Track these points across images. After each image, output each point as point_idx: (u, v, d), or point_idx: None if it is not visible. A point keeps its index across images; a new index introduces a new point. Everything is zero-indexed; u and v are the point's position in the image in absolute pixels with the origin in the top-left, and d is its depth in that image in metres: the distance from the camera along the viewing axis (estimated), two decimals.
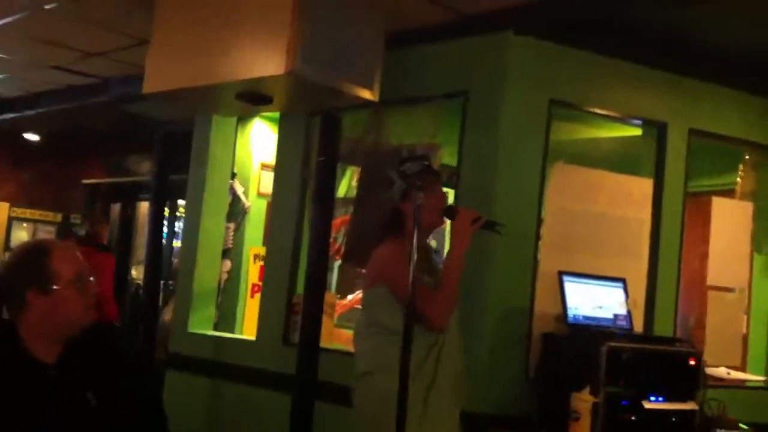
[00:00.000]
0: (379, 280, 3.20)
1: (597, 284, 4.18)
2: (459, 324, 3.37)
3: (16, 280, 2.31)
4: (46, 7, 4.98)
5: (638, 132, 4.71)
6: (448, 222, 3.48)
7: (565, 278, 4.09)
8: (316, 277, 4.44)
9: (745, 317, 5.02)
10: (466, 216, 3.23)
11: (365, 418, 3.21)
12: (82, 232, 7.84)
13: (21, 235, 10.43)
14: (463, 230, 3.20)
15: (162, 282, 6.85)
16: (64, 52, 5.94)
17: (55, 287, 2.27)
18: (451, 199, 4.79)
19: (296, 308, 4.81)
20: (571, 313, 4.04)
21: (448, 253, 3.28)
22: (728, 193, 5.14)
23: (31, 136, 9.53)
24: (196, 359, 5.39)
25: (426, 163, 3.10)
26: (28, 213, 10.70)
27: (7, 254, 9.28)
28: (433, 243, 5.74)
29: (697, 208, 4.83)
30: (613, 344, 3.72)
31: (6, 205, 10.53)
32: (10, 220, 10.60)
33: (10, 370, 2.23)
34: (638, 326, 4.34)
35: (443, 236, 5.66)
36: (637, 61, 4.42)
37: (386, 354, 3.10)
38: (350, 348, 3.53)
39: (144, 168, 8.54)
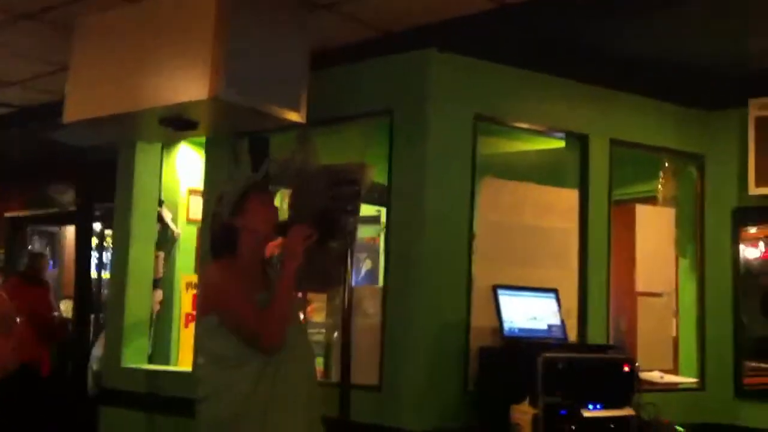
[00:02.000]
0: (209, 308, 3.13)
1: (530, 296, 4.22)
2: (303, 336, 3.31)
3: None
4: None
5: (561, 144, 4.79)
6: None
7: (500, 291, 4.12)
8: None
9: (674, 320, 5.13)
10: (297, 232, 3.18)
11: None
12: (21, 267, 7.74)
13: None
14: (295, 246, 3.16)
15: (92, 315, 6.71)
16: None
17: None
18: (383, 218, 4.80)
19: None
20: (506, 326, 4.07)
21: (279, 271, 3.22)
22: (651, 200, 5.26)
23: None
24: (131, 394, 5.26)
25: (257, 178, 3.08)
26: None
27: None
28: (368, 263, 5.75)
29: (622, 216, 4.93)
30: (548, 355, 3.76)
31: None
32: None
33: None
34: (572, 335, 4.40)
35: (377, 253, 5.67)
36: (558, 74, 4.50)
37: (215, 382, 3.06)
38: None
39: (68, 198, 8.32)
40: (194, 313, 5.36)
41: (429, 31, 4.15)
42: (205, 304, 3.16)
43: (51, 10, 4.31)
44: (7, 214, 9.30)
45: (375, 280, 5.76)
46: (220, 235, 3.17)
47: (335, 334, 4.70)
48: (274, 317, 3.03)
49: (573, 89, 4.59)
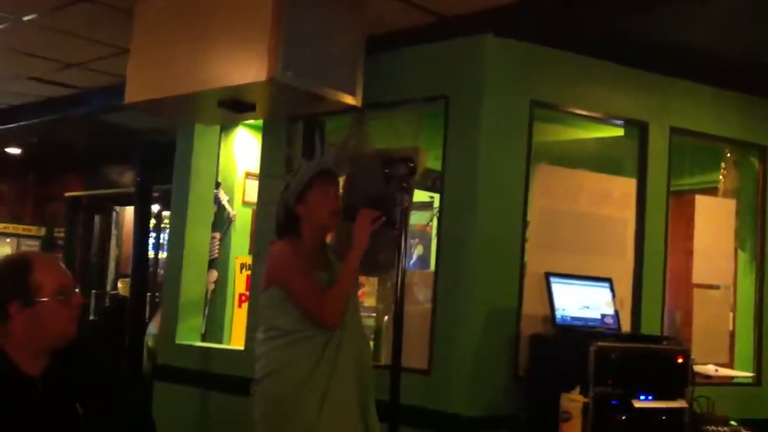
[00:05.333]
0: (272, 281, 3.21)
1: (583, 284, 4.19)
2: (358, 318, 3.37)
3: None
4: (25, 18, 4.95)
5: (620, 132, 4.72)
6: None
7: (552, 279, 4.10)
8: None
9: (731, 314, 5.04)
10: (365, 216, 3.23)
11: (261, 421, 3.22)
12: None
13: (4, 250, 10.35)
14: (362, 230, 3.21)
15: (148, 294, 6.84)
16: (42, 63, 5.90)
17: (38, 300, 2.25)
18: (436, 203, 4.80)
19: None
20: (558, 314, 4.05)
21: (348, 252, 3.27)
22: (711, 191, 5.16)
23: (12, 150, 9.46)
24: (184, 370, 5.36)
25: (324, 164, 3.19)
26: (11, 228, 10.62)
27: None
28: (419, 248, 5.77)
29: (681, 206, 4.85)
30: (601, 344, 3.73)
31: None
32: None
33: None
34: (626, 325, 4.35)
35: (429, 240, 5.67)
36: (617, 62, 4.43)
37: (278, 358, 3.13)
38: None
39: (127, 179, 8.50)
40: (247, 293, 5.46)
41: (485, 17, 4.12)
42: (269, 278, 3.24)
43: None
44: (68, 194, 9.54)
45: (426, 265, 5.77)
46: (284, 221, 3.27)
47: (386, 318, 4.73)
48: (335, 297, 3.13)
49: (632, 77, 4.51)
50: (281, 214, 3.30)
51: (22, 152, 9.51)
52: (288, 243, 3.24)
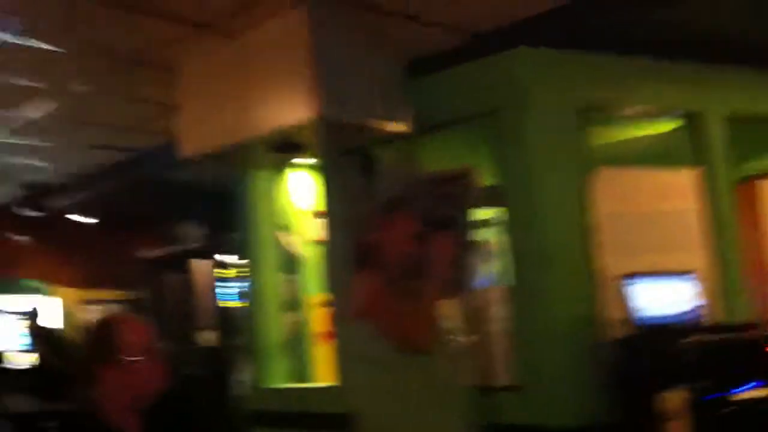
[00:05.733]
0: (359, 312, 3.19)
1: (663, 282, 4.11)
2: (444, 342, 3.32)
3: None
4: (77, 89, 5.12)
5: (674, 125, 4.63)
6: None
7: (630, 281, 4.03)
8: None
9: None
10: (443, 240, 3.20)
11: None
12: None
13: (90, 316, 10.63)
14: (441, 254, 3.18)
15: (232, 342, 6.92)
16: (100, 131, 6.08)
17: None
18: (494, 220, 4.75)
19: None
20: (640, 314, 3.98)
21: (431, 276, 3.24)
22: None
23: (82, 218, 9.75)
24: (277, 413, 5.38)
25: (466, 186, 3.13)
26: (95, 294, 10.92)
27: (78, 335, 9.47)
28: (486, 266, 5.70)
29: (744, 193, 4.72)
30: (690, 339, 3.64)
31: (72, 289, 10.78)
32: (78, 303, 10.84)
33: None
34: (709, 317, 4.22)
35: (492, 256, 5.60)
36: (658, 56, 4.35)
37: (373, 388, 3.10)
38: None
39: (197, 233, 8.65)
40: (326, 331, 5.47)
41: (519, 29, 4.10)
42: (356, 311, 3.24)
43: (156, 53, 4.50)
44: (141, 255, 9.76)
45: (494, 283, 5.70)
46: (362, 252, 3.26)
47: (465, 338, 4.68)
48: (421, 322, 3.10)
49: (678, 69, 4.44)
50: (358, 247, 3.29)
51: (92, 219, 9.79)
52: (370, 273, 3.22)
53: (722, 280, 4.37)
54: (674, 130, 4.65)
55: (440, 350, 3.24)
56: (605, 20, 3.96)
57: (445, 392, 3.19)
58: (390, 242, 3.22)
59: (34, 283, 10.40)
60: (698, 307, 4.12)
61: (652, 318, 4.01)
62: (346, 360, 3.48)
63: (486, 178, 4.70)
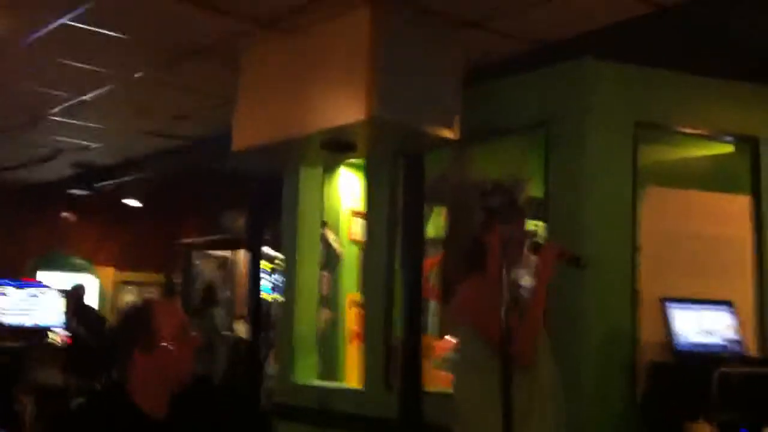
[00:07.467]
0: (463, 317, 3.20)
1: (703, 308, 4.05)
2: (551, 358, 3.30)
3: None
4: (135, 75, 5.21)
5: (730, 149, 4.57)
6: None
7: (670, 304, 3.99)
8: (412, 320, 4.42)
9: None
10: (550, 249, 3.20)
11: None
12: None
13: (127, 297, 10.79)
14: (547, 264, 3.17)
15: (265, 334, 6.98)
16: (154, 118, 6.18)
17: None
18: (541, 231, 4.74)
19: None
20: (678, 339, 3.93)
21: (533, 287, 3.24)
22: None
23: (130, 201, 9.90)
24: (302, 409, 5.40)
25: (510, 195, 3.11)
26: (132, 276, 11.07)
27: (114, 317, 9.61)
28: (527, 279, 5.65)
29: None
30: (725, 370, 3.60)
31: (111, 269, 10.94)
32: (116, 284, 11.00)
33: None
34: (751, 350, 4.16)
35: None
36: (721, 77, 4.30)
37: (475, 390, 3.08)
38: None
39: (239, 224, 8.74)
40: (357, 331, 5.50)
41: (582, 40, 4.09)
42: (458, 314, 3.25)
43: (217, 46, 4.57)
44: (183, 241, 9.89)
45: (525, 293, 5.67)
46: (472, 251, 3.26)
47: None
48: (526, 331, 3.09)
49: (739, 91, 4.38)
50: (469, 246, 3.28)
51: (139, 202, 9.94)
52: (478, 280, 3.20)
53: (766, 312, 4.30)
54: (730, 154, 4.60)
55: (543, 359, 3.24)
56: (676, 34, 3.93)
57: (545, 400, 3.18)
58: (494, 251, 3.17)
59: (80, 261, 10.58)
60: (738, 338, 4.06)
61: (690, 344, 3.96)
62: (453, 365, 3.48)
63: (533, 189, 4.70)
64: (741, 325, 4.10)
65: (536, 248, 3.24)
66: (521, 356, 3.06)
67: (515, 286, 3.28)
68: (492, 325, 2.96)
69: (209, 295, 8.57)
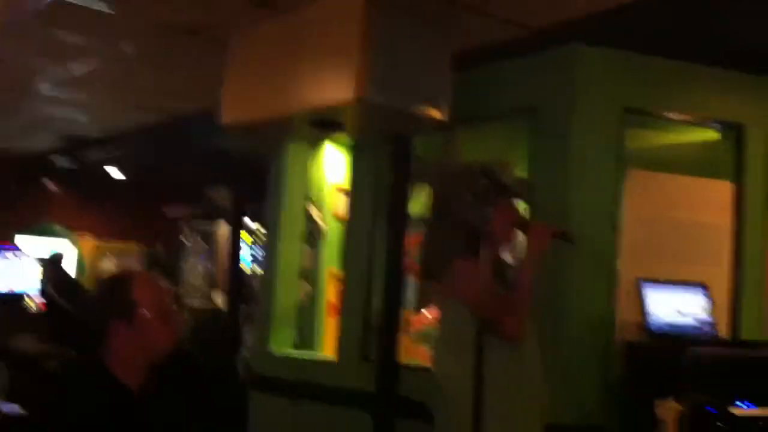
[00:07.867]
0: (454, 291, 3.24)
1: (678, 290, 4.13)
2: (537, 340, 3.35)
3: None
4: (124, 50, 5.19)
5: (716, 136, 4.65)
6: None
7: (645, 285, 4.05)
8: (391, 294, 4.48)
9: None
10: (540, 229, 3.26)
11: (442, 427, 3.25)
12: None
13: (107, 266, 10.79)
14: (537, 243, 3.23)
15: (244, 306, 7.03)
16: (143, 93, 6.16)
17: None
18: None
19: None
20: (652, 320, 4.00)
21: (522, 263, 3.30)
22: None
23: (116, 173, 9.88)
24: (277, 380, 5.45)
25: (496, 179, 3.16)
26: (113, 246, 11.07)
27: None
28: (509, 257, 5.75)
29: None
30: (696, 350, 3.66)
31: (92, 238, 10.93)
32: (97, 253, 10.99)
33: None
34: (723, 332, 4.27)
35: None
36: (710, 64, 4.35)
37: (459, 364, 3.11)
38: (428, 364, 3.55)
39: (223, 198, 8.76)
40: (335, 304, 5.55)
41: (573, 26, 4.11)
42: (449, 288, 3.25)
43: (207, 22, 4.56)
44: (167, 213, 9.90)
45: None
46: (468, 233, 3.27)
47: None
48: (516, 309, 3.15)
49: (727, 78, 4.43)
50: (465, 228, 3.29)
51: (124, 174, 9.93)
52: (471, 261, 3.20)
53: (742, 297, 4.39)
54: (714, 141, 4.66)
55: (530, 338, 3.29)
56: (666, 22, 3.95)
57: (530, 379, 3.23)
58: (495, 229, 3.19)
59: (59, 228, 10.55)
60: (711, 320, 4.16)
61: (664, 325, 4.05)
62: (435, 341, 3.52)
63: (518, 172, 4.76)
64: (715, 308, 4.19)
65: (524, 226, 3.30)
66: (512, 333, 3.13)
67: (503, 266, 3.35)
68: (488, 302, 3.06)
69: (154, 261, 8.57)
